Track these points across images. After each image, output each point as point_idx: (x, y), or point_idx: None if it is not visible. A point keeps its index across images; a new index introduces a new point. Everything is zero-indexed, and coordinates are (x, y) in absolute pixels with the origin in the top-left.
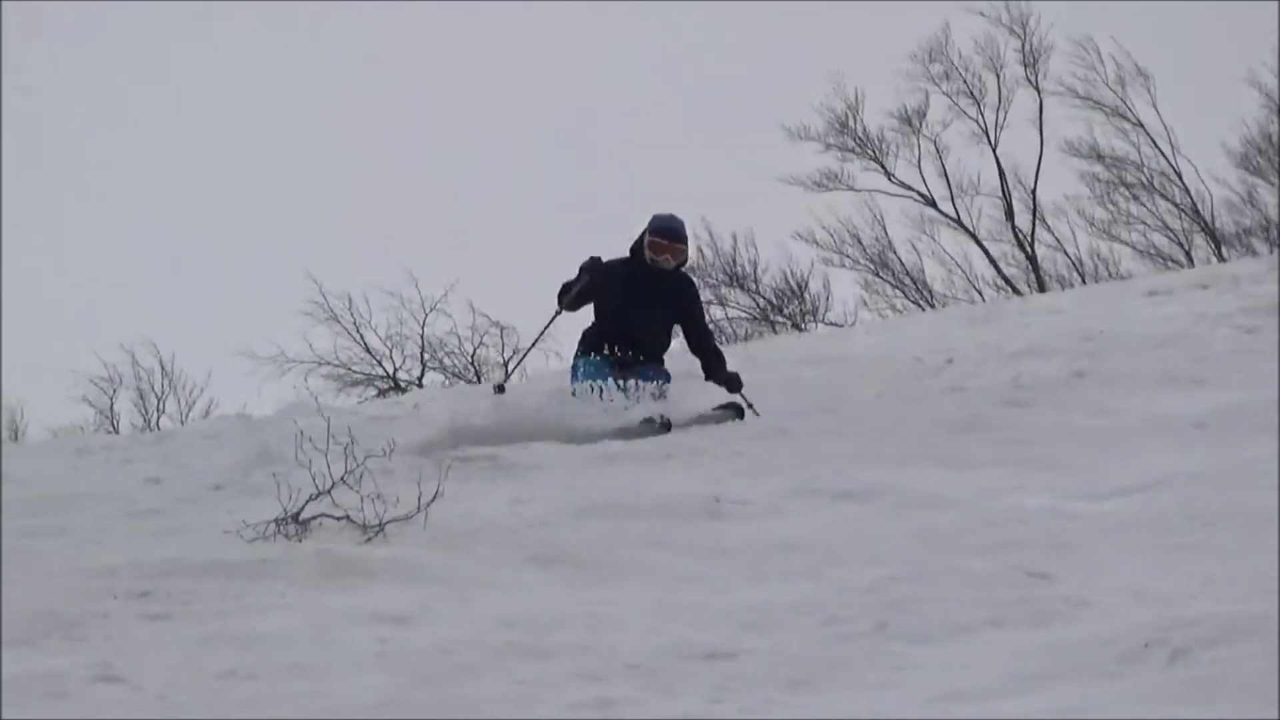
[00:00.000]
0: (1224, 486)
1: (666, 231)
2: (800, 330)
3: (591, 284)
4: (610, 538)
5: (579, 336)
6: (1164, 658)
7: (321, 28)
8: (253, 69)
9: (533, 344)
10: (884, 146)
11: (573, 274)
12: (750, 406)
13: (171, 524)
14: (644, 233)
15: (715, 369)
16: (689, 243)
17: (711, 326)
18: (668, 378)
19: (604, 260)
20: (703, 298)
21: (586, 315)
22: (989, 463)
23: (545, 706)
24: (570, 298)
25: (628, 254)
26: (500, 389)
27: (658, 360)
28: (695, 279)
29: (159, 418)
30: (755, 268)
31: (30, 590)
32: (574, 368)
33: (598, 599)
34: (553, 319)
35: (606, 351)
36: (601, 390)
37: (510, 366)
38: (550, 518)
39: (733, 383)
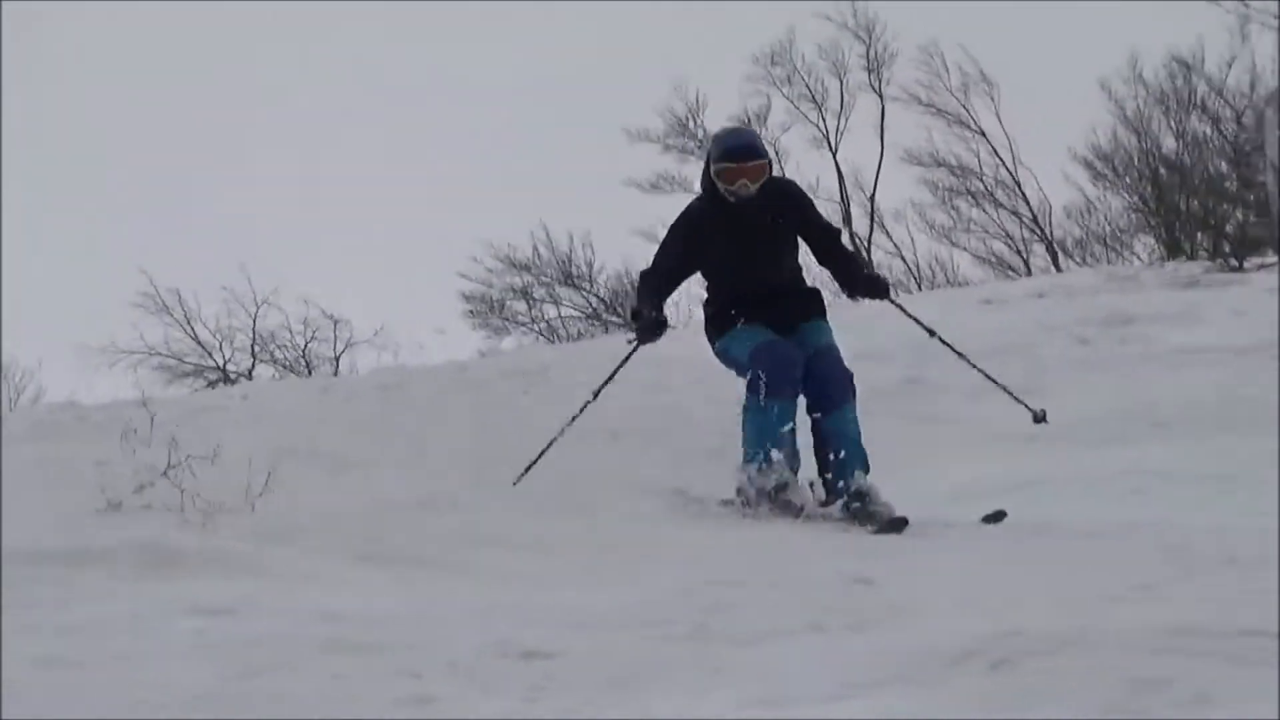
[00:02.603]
0: (1053, 498)
1: (736, 151)
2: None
3: (666, 273)
4: (440, 533)
5: (704, 317)
6: (985, 666)
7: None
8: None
9: (597, 392)
10: None
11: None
12: (917, 320)
13: None
14: (708, 163)
15: (852, 279)
16: (766, 155)
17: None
18: (828, 327)
19: (678, 224)
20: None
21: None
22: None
23: (364, 703)
24: (647, 293)
25: (703, 195)
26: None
27: (811, 303)
28: (789, 178)
29: None
30: (591, 267)
31: None
32: (723, 348)
33: (423, 595)
34: (629, 355)
35: (754, 314)
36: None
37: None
38: (379, 513)
39: (878, 287)
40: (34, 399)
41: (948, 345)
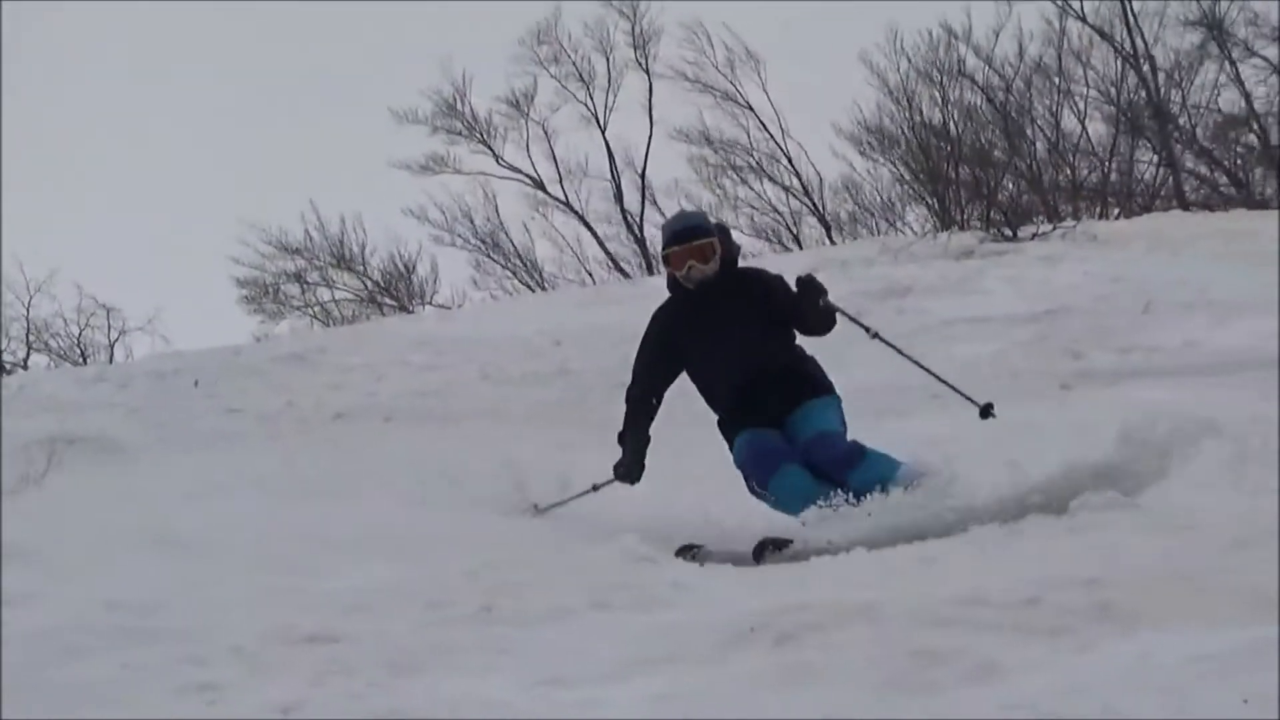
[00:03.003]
0: None
1: (678, 234)
2: (409, 312)
3: (653, 362)
4: (216, 519)
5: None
6: (769, 641)
7: None
8: None
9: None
10: (492, 129)
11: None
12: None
13: None
14: (663, 250)
15: (811, 326)
16: (712, 233)
17: None
18: (834, 395)
19: (649, 330)
20: None
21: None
22: (593, 445)
23: (150, 690)
24: (632, 423)
25: (669, 295)
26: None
27: (803, 385)
28: (760, 267)
29: None
30: (363, 250)
31: None
32: (736, 459)
33: (203, 581)
34: (607, 483)
35: (742, 416)
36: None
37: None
38: (156, 499)
39: (813, 290)
40: None
41: (890, 345)
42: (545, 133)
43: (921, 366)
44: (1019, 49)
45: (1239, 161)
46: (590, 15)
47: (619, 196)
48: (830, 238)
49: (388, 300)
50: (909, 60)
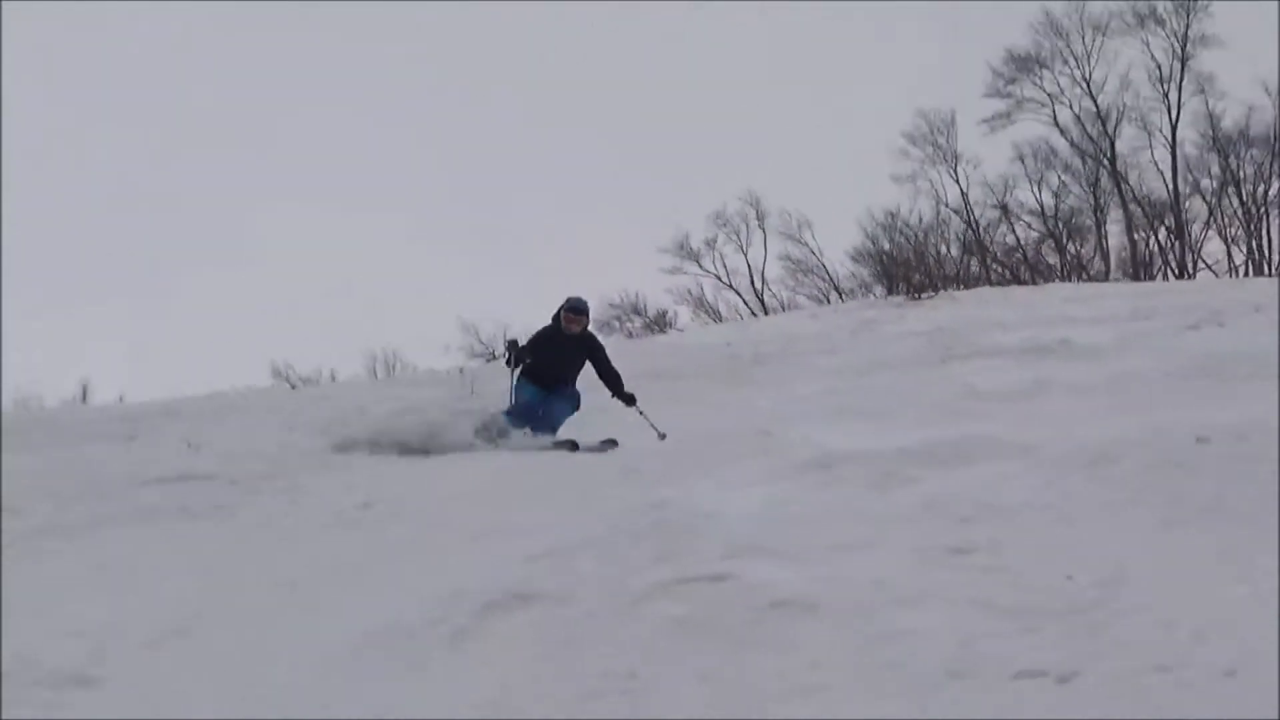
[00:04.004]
0: (851, 393)
1: (573, 310)
2: (663, 332)
3: (530, 346)
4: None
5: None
6: (820, 469)
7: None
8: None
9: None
10: (698, 253)
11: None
12: (648, 420)
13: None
14: (560, 309)
15: (616, 390)
16: (587, 315)
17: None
18: (578, 398)
19: (538, 331)
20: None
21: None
22: (743, 386)
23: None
24: (517, 355)
25: (551, 320)
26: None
27: (571, 385)
28: (596, 334)
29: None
30: (645, 304)
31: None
32: (515, 385)
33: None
34: (514, 370)
35: (535, 380)
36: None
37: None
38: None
39: (629, 400)
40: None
41: (654, 426)
42: (721, 255)
43: (649, 422)
44: (920, 218)
45: (1017, 261)
46: (736, 208)
47: (753, 283)
48: (842, 299)
49: (656, 327)
50: (876, 221)
